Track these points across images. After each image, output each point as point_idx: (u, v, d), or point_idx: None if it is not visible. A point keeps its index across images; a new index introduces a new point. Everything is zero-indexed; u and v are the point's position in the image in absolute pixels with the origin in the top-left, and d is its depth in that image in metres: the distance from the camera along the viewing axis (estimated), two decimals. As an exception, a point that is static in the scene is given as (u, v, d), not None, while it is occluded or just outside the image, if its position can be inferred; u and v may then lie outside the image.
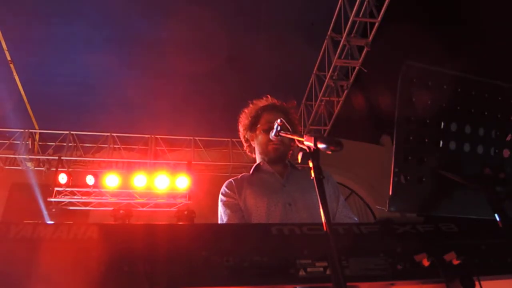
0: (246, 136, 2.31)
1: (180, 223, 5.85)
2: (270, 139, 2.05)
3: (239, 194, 2.07)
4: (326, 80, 6.18)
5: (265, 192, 2.03)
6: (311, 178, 1.24)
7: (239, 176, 2.22)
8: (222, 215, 2.05)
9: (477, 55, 4.72)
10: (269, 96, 2.32)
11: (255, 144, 2.27)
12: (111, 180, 6.76)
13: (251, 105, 2.31)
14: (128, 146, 7.67)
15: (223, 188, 2.14)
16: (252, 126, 2.25)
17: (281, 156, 2.17)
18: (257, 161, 2.27)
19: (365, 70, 5.63)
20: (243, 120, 2.31)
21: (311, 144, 1.28)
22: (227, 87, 6.61)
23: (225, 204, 2.06)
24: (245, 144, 2.36)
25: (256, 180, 2.14)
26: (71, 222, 1.22)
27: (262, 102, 2.29)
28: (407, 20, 4.90)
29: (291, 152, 2.24)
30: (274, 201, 1.98)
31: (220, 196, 2.11)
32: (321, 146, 1.25)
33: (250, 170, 2.24)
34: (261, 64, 6.27)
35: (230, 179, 2.19)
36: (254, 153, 2.31)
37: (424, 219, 1.41)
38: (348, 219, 2.08)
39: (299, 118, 7.02)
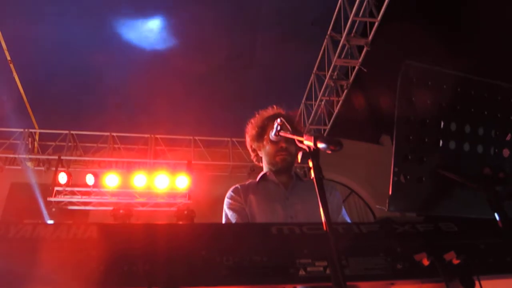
0: (253, 146, 2.31)
1: (180, 222, 5.85)
2: (277, 149, 2.10)
3: (245, 199, 2.08)
4: (326, 80, 6.18)
5: (268, 203, 2.05)
6: (311, 178, 1.24)
7: (246, 183, 2.23)
8: (228, 218, 2.05)
9: (477, 54, 4.72)
10: (275, 106, 2.32)
11: (262, 154, 2.27)
12: (111, 180, 6.75)
13: (257, 115, 2.31)
14: (128, 146, 7.67)
15: (229, 193, 2.14)
16: (259, 137, 2.24)
17: (288, 166, 2.18)
18: (264, 171, 2.27)
19: (365, 70, 5.63)
20: (250, 130, 2.30)
21: (311, 144, 1.28)
22: (227, 87, 6.61)
23: (231, 207, 2.07)
24: (252, 154, 2.36)
25: (261, 189, 2.15)
26: (71, 222, 1.22)
27: (268, 112, 2.29)
28: (407, 20, 4.90)
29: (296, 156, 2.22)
30: (276, 213, 2.00)
31: (226, 200, 2.12)
32: (320, 145, 1.25)
33: (257, 177, 2.24)
34: (261, 63, 6.28)
35: (237, 185, 2.20)
36: (261, 162, 2.31)
37: (424, 219, 1.41)
38: None
39: (299, 118, 7.03)
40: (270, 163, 2.21)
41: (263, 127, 2.23)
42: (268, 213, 2.00)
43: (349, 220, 2.16)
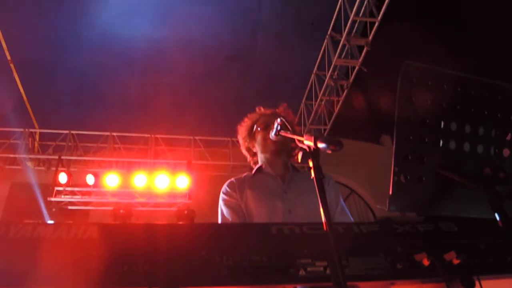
0: (247, 145, 2.32)
1: (180, 222, 5.85)
2: (268, 136, 2.04)
3: (240, 194, 2.05)
4: (326, 80, 6.18)
5: (266, 198, 2.02)
6: (311, 178, 1.24)
7: (242, 176, 2.19)
8: (224, 215, 2.03)
9: (477, 54, 4.72)
10: (261, 107, 2.34)
11: (256, 148, 2.26)
12: (111, 180, 6.76)
13: (246, 119, 2.33)
14: (128, 146, 7.67)
15: (225, 187, 2.12)
16: (250, 134, 2.27)
17: (281, 150, 2.14)
18: (259, 163, 2.25)
19: (365, 70, 5.63)
20: (242, 132, 2.32)
21: (311, 144, 1.28)
22: (227, 86, 6.61)
23: (226, 204, 2.05)
24: (248, 156, 2.36)
25: (257, 182, 2.12)
26: (71, 222, 1.22)
27: (256, 114, 2.31)
28: (407, 20, 4.90)
29: (296, 156, 2.21)
30: (275, 208, 1.97)
31: (221, 195, 2.10)
32: (321, 145, 1.25)
33: (252, 171, 2.22)
34: (261, 63, 6.28)
35: (232, 179, 2.16)
36: (257, 164, 2.30)
37: (424, 219, 1.41)
38: None
39: (299, 118, 7.03)
40: (263, 150, 2.19)
41: (253, 124, 2.26)
42: (265, 208, 1.98)
43: (348, 212, 2.12)
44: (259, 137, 2.20)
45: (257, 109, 2.33)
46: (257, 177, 2.17)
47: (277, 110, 2.30)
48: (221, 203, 2.08)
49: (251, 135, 2.26)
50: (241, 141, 2.35)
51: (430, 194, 1.39)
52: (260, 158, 2.26)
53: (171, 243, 1.18)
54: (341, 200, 2.15)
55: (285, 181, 2.11)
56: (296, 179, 2.13)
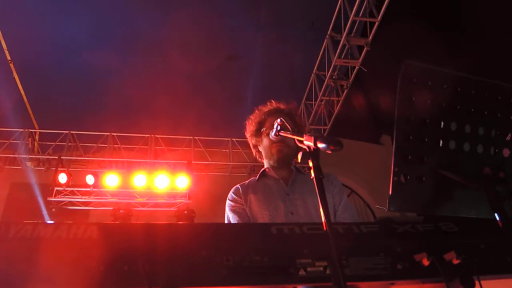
0: (253, 142, 2.32)
1: (180, 222, 5.85)
2: (273, 141, 2.06)
3: (245, 199, 2.08)
4: (326, 80, 6.19)
5: (268, 201, 2.04)
6: (311, 178, 1.24)
7: (246, 182, 2.22)
8: (230, 220, 2.06)
9: (477, 54, 4.72)
10: (273, 100, 2.31)
11: (261, 149, 2.27)
12: (111, 180, 6.75)
13: (256, 111, 2.31)
14: (128, 146, 7.67)
15: (231, 194, 2.15)
16: (257, 132, 2.26)
17: (285, 158, 2.15)
18: (264, 167, 2.26)
19: (365, 70, 5.63)
20: (249, 126, 2.31)
21: (311, 144, 1.28)
22: (227, 86, 6.61)
23: (232, 210, 2.07)
24: (253, 151, 2.36)
25: (261, 186, 2.14)
26: (71, 222, 1.22)
27: (266, 107, 2.29)
28: (407, 20, 4.90)
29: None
30: (277, 210, 1.99)
31: (228, 202, 2.12)
32: (321, 145, 1.25)
33: (257, 175, 2.24)
34: (261, 63, 6.28)
35: (237, 185, 2.20)
36: (263, 159, 2.31)
37: (424, 219, 1.41)
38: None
39: (300, 112, 7.02)
40: (267, 156, 2.20)
41: (261, 122, 2.24)
42: (268, 210, 1.99)
43: (351, 207, 2.11)
44: (264, 141, 2.20)
45: (268, 103, 2.31)
46: (260, 181, 2.19)
47: (289, 106, 2.28)
48: (227, 209, 2.11)
49: (258, 134, 2.25)
50: (247, 135, 2.34)
51: (430, 194, 1.39)
52: (265, 160, 2.27)
53: (171, 243, 1.18)
54: (345, 196, 2.15)
55: (288, 183, 2.12)
56: (299, 181, 2.14)
